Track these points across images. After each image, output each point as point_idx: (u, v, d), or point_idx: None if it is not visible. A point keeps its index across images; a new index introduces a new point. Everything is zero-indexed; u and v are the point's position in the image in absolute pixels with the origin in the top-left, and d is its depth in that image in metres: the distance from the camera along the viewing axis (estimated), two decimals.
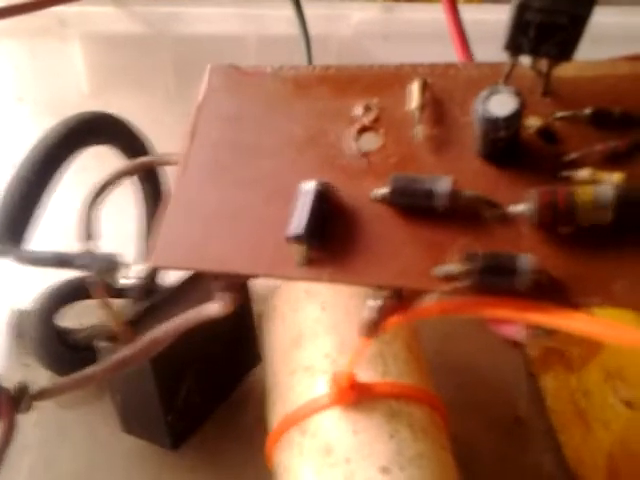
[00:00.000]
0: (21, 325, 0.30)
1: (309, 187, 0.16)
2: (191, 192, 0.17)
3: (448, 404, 0.25)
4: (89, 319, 0.31)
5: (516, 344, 0.33)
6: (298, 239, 0.15)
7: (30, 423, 0.30)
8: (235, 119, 0.18)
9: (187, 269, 0.18)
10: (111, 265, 0.19)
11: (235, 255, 0.16)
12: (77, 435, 0.30)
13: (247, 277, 0.19)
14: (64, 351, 0.29)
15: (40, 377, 0.30)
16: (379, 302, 0.16)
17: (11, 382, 0.20)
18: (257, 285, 0.31)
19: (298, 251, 0.16)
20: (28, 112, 0.31)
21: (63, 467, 0.29)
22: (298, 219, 0.15)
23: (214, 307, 0.18)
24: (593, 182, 0.15)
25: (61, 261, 0.19)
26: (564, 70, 0.16)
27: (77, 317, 0.31)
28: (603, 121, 0.15)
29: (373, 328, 0.16)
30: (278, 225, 0.16)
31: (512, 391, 0.32)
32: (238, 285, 0.17)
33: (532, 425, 0.31)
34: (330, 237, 0.16)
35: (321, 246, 0.16)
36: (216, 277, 0.17)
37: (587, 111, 0.16)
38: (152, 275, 0.28)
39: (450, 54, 0.20)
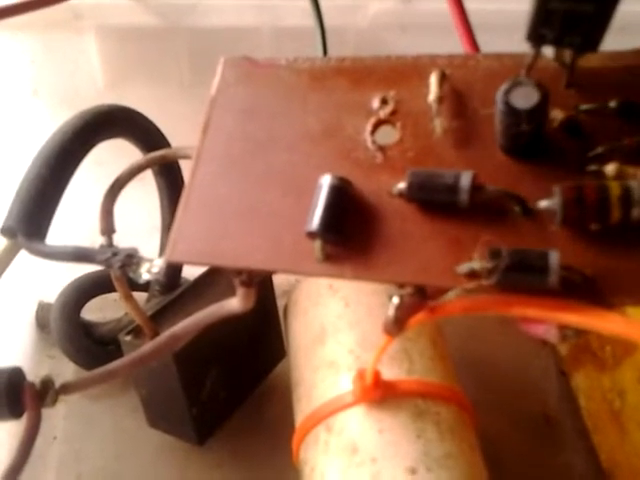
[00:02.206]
0: (46, 318, 0.31)
1: (325, 181, 0.15)
2: (205, 186, 0.17)
3: (474, 402, 0.25)
4: (114, 313, 0.31)
5: (545, 341, 0.32)
6: (313, 234, 0.15)
7: (59, 416, 0.30)
8: (249, 112, 0.17)
9: (204, 264, 0.18)
10: (132, 260, 0.18)
11: (253, 250, 0.16)
12: (105, 428, 0.30)
13: (266, 273, 0.18)
14: (89, 344, 0.29)
15: (66, 369, 0.31)
16: (402, 299, 0.16)
17: (37, 374, 0.20)
18: (281, 279, 0.30)
19: (317, 247, 0.15)
20: (43, 105, 0.31)
21: (91, 460, 0.29)
22: (314, 214, 0.15)
23: (234, 303, 0.18)
24: (620, 177, 0.14)
25: (81, 256, 0.19)
26: (588, 60, 0.15)
27: (102, 310, 0.31)
28: (630, 113, 0.15)
29: (397, 325, 0.16)
30: (297, 220, 0.16)
31: (541, 389, 0.32)
32: (258, 281, 0.17)
33: (563, 425, 0.30)
34: (350, 233, 0.16)
35: (340, 242, 0.15)
36: (237, 273, 0.17)
37: (613, 103, 0.15)
38: (174, 270, 0.28)
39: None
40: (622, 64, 0.15)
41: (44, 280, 0.33)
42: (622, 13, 0.13)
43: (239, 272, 0.17)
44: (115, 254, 0.19)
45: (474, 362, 0.32)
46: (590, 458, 0.29)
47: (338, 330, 0.25)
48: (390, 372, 0.23)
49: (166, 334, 0.20)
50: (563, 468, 0.29)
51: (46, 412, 0.28)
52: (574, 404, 0.31)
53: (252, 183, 0.17)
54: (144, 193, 0.28)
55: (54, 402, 0.20)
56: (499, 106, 0.14)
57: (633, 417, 0.26)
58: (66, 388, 0.20)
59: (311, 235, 0.15)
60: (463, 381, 0.25)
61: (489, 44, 0.19)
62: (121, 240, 0.23)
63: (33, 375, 0.20)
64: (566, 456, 0.30)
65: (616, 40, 0.16)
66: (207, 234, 0.16)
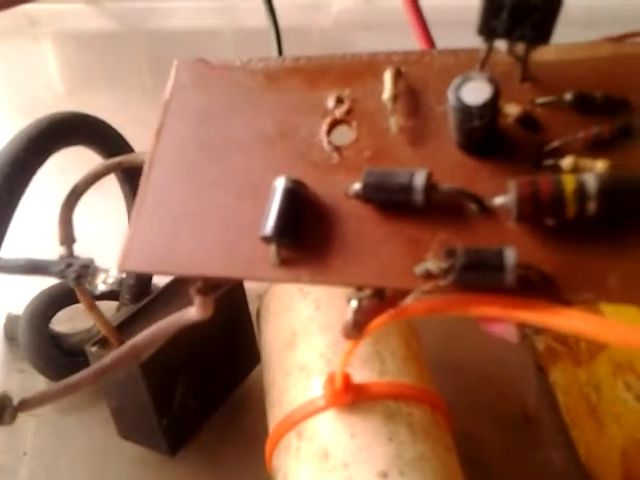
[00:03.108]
0: (15, 331, 0.30)
1: (278, 184, 0.15)
2: (159, 192, 0.16)
3: (453, 402, 0.24)
4: (85, 323, 0.31)
5: (524, 337, 0.31)
6: (268, 239, 0.15)
7: (29, 431, 0.30)
8: (203, 115, 0.17)
9: (157, 273, 0.17)
10: (87, 270, 0.18)
11: (207, 257, 0.16)
12: (76, 442, 0.29)
13: (221, 280, 0.18)
14: (58, 356, 0.29)
15: (37, 383, 0.30)
16: (360, 302, 0.15)
17: (7, 389, 0.20)
18: (253, 283, 0.30)
19: (272, 251, 0.15)
20: (2, 114, 0.31)
21: (62, 475, 0.28)
22: (268, 218, 0.15)
23: (193, 312, 0.18)
24: (576, 170, 0.14)
25: (35, 268, 0.19)
26: (543, 54, 0.15)
27: (72, 321, 0.31)
28: (585, 106, 0.14)
29: (356, 329, 0.16)
30: (252, 225, 0.16)
31: (520, 387, 0.32)
32: (215, 288, 0.17)
33: (542, 421, 0.30)
34: (306, 236, 0.15)
35: (296, 246, 0.15)
36: (191, 281, 0.16)
37: (568, 96, 0.15)
38: (144, 278, 0.28)
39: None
40: (577, 57, 0.15)
41: (12, 292, 0.32)
42: (587, 8, 0.13)
43: (193, 280, 0.16)
44: (69, 265, 0.18)
45: (452, 361, 0.31)
46: (569, 453, 0.29)
47: (309, 334, 0.25)
48: (362, 374, 0.23)
49: (127, 344, 0.19)
50: (543, 464, 0.29)
51: (16, 427, 0.27)
52: (552, 399, 0.31)
53: (207, 188, 0.16)
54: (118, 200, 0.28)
55: (13, 419, 0.19)
56: (451, 102, 0.14)
57: (609, 411, 0.26)
58: (25, 404, 0.19)
59: (266, 240, 0.15)
60: (441, 381, 0.25)
61: (447, 40, 0.19)
62: (92, 249, 0.22)
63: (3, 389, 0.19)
64: (545, 452, 0.29)
65: (582, 35, 0.16)
66: (160, 242, 0.16)
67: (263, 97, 0.17)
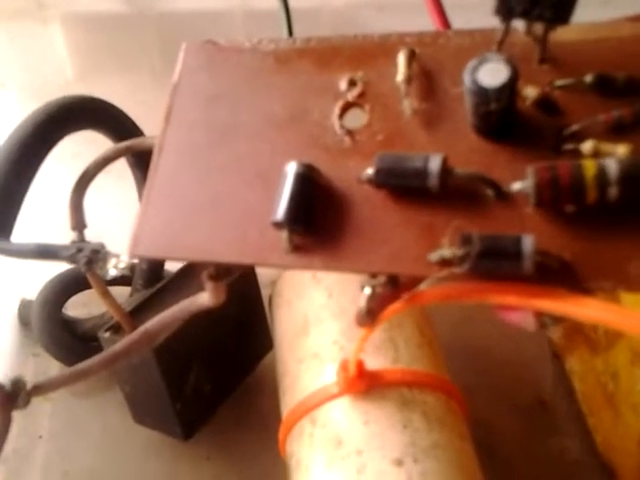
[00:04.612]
0: (29, 316, 0.30)
1: (290, 169, 0.15)
2: (168, 177, 0.16)
3: (469, 389, 0.24)
4: (99, 308, 0.31)
5: (541, 326, 0.31)
6: (279, 225, 0.14)
7: (45, 414, 0.30)
8: (212, 99, 0.17)
9: (167, 258, 0.17)
10: (98, 255, 0.18)
11: (218, 243, 0.15)
12: (92, 426, 0.30)
13: (232, 266, 0.18)
14: (71, 341, 0.29)
15: (51, 367, 0.30)
16: (374, 290, 0.15)
17: (22, 373, 0.20)
18: (265, 270, 0.30)
19: (284, 237, 0.15)
20: (12, 98, 0.30)
21: (77, 458, 0.29)
22: (279, 204, 0.14)
23: (205, 298, 0.17)
24: (597, 155, 0.13)
25: (45, 253, 0.18)
26: (562, 34, 0.14)
27: (86, 306, 0.31)
28: (606, 88, 0.14)
29: (369, 317, 0.15)
30: (263, 210, 0.15)
31: (536, 374, 0.31)
32: (227, 274, 0.17)
33: (558, 409, 0.30)
34: (317, 222, 0.15)
35: (308, 231, 0.15)
36: (203, 266, 0.16)
37: (588, 78, 0.14)
38: (157, 263, 0.28)
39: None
40: (597, 37, 0.15)
41: (26, 277, 0.32)
42: None
43: (205, 265, 0.16)
44: (80, 250, 0.18)
45: (467, 347, 0.31)
46: (586, 441, 0.29)
47: (322, 321, 0.25)
48: (375, 362, 0.22)
49: (139, 330, 0.19)
50: (558, 452, 0.29)
51: (31, 411, 0.27)
52: (569, 387, 0.30)
53: (217, 172, 0.16)
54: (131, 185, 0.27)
55: (26, 403, 0.19)
56: (466, 84, 0.13)
57: (626, 399, 0.26)
58: (38, 389, 0.19)
59: (277, 225, 0.15)
60: (455, 367, 0.24)
61: (463, 21, 0.18)
62: (104, 234, 0.22)
63: (18, 374, 0.19)
64: (561, 440, 0.29)
65: (600, 13, 0.15)
66: (170, 227, 0.16)
67: (273, 79, 0.17)
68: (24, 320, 0.32)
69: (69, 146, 0.23)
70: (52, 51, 0.29)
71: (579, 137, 0.14)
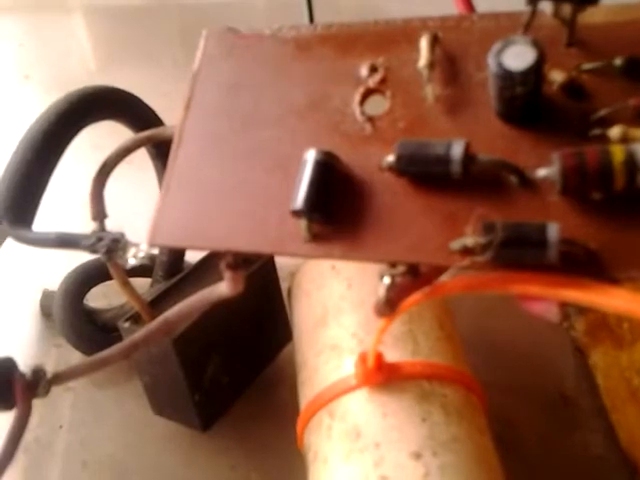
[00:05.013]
0: (50, 306, 0.31)
1: (309, 156, 0.14)
2: (187, 166, 0.16)
3: (489, 383, 0.24)
4: (119, 299, 0.31)
5: (565, 317, 0.31)
6: (298, 213, 0.14)
7: (65, 404, 0.30)
8: (233, 87, 0.17)
9: (186, 247, 0.17)
10: (117, 245, 0.18)
11: (236, 232, 0.15)
12: (111, 416, 0.30)
13: (251, 255, 0.17)
14: (92, 331, 0.29)
15: (73, 357, 0.30)
16: (393, 279, 0.15)
17: (44, 363, 0.20)
18: (285, 261, 0.30)
19: (303, 226, 0.15)
20: (35, 90, 0.31)
21: (97, 448, 0.29)
22: (298, 192, 0.14)
23: (223, 287, 0.17)
24: (625, 141, 0.13)
25: (65, 242, 0.18)
26: (591, 16, 0.14)
27: (107, 297, 0.31)
28: (636, 72, 0.14)
29: (388, 307, 0.15)
30: (283, 198, 0.15)
31: (558, 368, 0.31)
32: (246, 264, 0.16)
33: (581, 404, 0.29)
34: (337, 210, 0.15)
35: (327, 220, 0.15)
36: (221, 255, 0.16)
37: (618, 61, 0.14)
38: (177, 254, 0.28)
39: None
40: (628, 18, 0.14)
41: (48, 268, 0.33)
42: None
43: (224, 255, 0.16)
44: (100, 239, 0.18)
45: (488, 341, 0.31)
46: (609, 437, 0.28)
47: (341, 312, 0.24)
48: (394, 354, 0.22)
49: (158, 320, 0.19)
50: (580, 447, 0.28)
51: (52, 401, 0.28)
52: (592, 382, 0.30)
53: (236, 161, 0.16)
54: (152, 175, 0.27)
55: (46, 392, 0.19)
56: (491, 68, 0.13)
57: None
58: (58, 378, 0.19)
59: (296, 214, 0.15)
60: (476, 360, 0.24)
61: (487, 4, 0.18)
62: (125, 224, 0.22)
63: (39, 363, 0.19)
64: (583, 435, 0.29)
65: None
66: (189, 216, 0.16)
67: (294, 66, 0.17)
68: (46, 311, 0.32)
69: (89, 137, 0.23)
70: (75, 43, 0.30)
71: (607, 122, 0.13)
